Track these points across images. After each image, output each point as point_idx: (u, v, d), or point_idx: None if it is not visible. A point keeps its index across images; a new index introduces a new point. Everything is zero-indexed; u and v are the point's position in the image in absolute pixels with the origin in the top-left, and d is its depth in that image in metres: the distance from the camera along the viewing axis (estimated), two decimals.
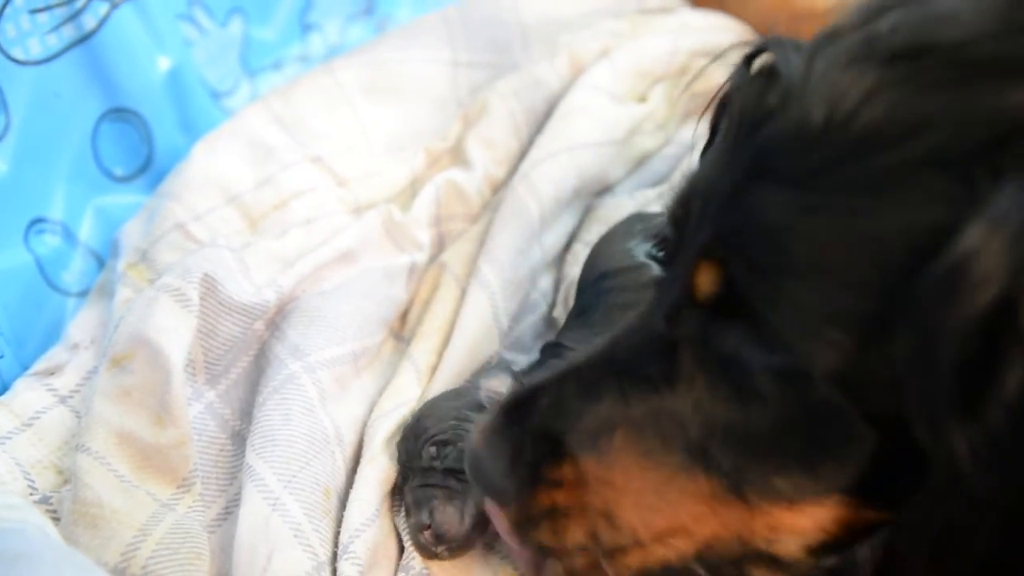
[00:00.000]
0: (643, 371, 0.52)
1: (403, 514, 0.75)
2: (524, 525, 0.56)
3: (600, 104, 1.04)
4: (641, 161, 1.05)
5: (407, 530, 0.74)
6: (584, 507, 0.53)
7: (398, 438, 0.78)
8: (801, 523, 0.51)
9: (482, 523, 0.71)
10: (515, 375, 0.80)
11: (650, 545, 0.52)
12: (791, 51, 0.51)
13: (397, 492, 0.77)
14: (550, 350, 0.82)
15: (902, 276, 0.43)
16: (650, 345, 0.52)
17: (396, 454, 0.77)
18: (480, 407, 0.76)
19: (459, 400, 0.78)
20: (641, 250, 0.84)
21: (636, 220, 0.90)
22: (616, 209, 0.96)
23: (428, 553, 0.72)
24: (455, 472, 0.72)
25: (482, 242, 0.92)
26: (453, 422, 0.75)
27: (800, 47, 0.52)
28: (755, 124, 0.49)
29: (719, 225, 0.49)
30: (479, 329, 0.86)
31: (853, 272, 0.45)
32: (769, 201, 0.46)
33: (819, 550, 0.52)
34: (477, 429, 0.58)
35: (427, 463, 0.73)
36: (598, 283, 0.85)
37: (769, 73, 0.52)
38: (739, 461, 0.49)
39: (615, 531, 0.53)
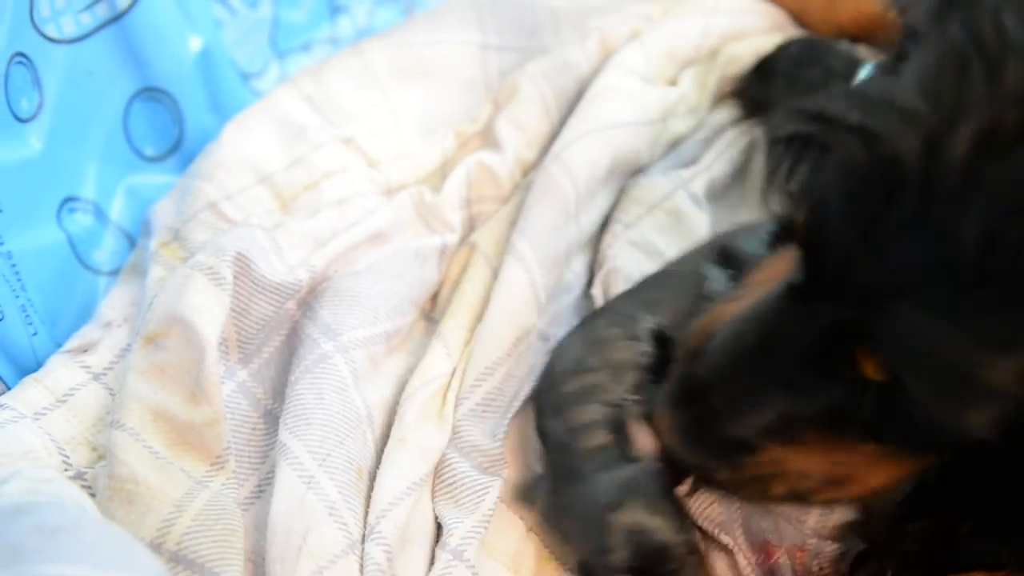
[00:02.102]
0: (809, 383, 0.59)
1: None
2: (731, 488, 0.69)
3: (632, 85, 1.03)
4: (673, 144, 1.04)
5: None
6: (783, 473, 0.64)
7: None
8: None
9: None
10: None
11: (832, 488, 0.64)
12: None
13: None
14: None
15: None
16: (806, 365, 0.58)
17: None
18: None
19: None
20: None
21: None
22: (651, 189, 0.95)
23: None
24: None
25: (513, 221, 0.91)
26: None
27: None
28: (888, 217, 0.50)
29: (870, 323, 0.52)
30: (516, 301, 0.85)
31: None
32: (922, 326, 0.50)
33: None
34: (664, 425, 0.68)
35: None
36: None
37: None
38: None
39: (808, 481, 0.64)
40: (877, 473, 0.62)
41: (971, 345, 0.48)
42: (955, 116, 0.48)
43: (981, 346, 0.48)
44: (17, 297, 0.80)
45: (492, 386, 0.82)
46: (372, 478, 0.77)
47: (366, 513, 0.74)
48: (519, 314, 0.85)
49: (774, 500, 0.68)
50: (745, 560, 0.74)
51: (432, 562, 0.74)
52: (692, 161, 1.01)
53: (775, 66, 1.07)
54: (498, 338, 0.83)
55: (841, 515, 0.75)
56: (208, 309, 0.75)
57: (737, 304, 0.65)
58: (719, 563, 0.74)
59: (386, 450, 0.78)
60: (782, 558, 0.75)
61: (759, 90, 1.07)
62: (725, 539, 0.74)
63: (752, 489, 0.67)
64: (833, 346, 0.56)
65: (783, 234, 0.67)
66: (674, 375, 0.68)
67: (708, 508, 0.75)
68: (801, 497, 0.66)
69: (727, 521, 0.75)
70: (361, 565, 0.71)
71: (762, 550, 0.75)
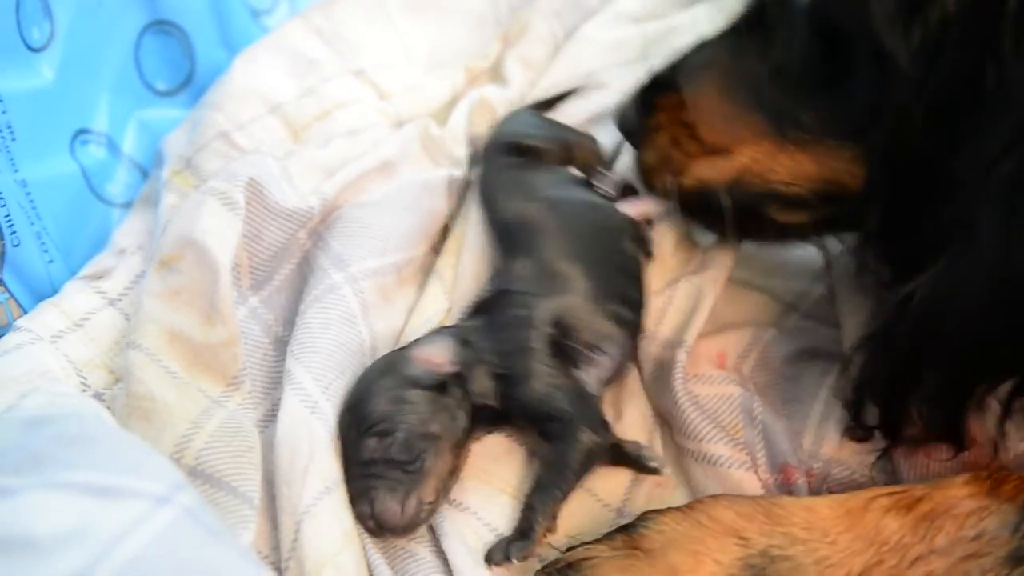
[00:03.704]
0: (737, 23, 0.72)
1: None
2: (639, 152, 0.80)
3: (608, 33, 1.03)
4: None
5: None
6: (674, 122, 0.75)
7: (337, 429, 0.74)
8: (811, 168, 0.69)
9: (425, 511, 0.70)
10: (456, 338, 0.75)
11: (704, 161, 0.74)
12: None
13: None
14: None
15: None
16: (755, 23, 0.70)
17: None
18: (415, 382, 0.72)
19: (392, 377, 0.73)
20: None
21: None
22: None
23: (376, 535, 0.70)
24: (397, 463, 0.69)
25: None
26: (390, 408, 0.71)
27: None
28: None
29: None
30: (483, 241, 0.86)
31: None
32: None
33: (822, 201, 0.70)
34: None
35: (368, 455, 0.70)
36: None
37: None
38: (781, 100, 0.67)
39: (689, 141, 0.74)
40: (748, 149, 0.71)
41: None
42: None
43: None
44: (32, 224, 0.81)
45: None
46: None
47: None
48: (488, 251, 0.86)
49: (656, 173, 0.78)
50: (762, 479, 0.75)
51: None
52: None
53: None
54: (474, 276, 0.85)
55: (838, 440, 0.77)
56: (221, 232, 0.76)
57: None
58: (745, 482, 0.75)
59: None
60: (799, 479, 0.75)
61: None
62: (746, 457, 0.76)
63: (647, 144, 0.78)
64: None
65: None
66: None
67: (736, 431, 0.77)
68: (677, 172, 0.76)
69: (750, 443, 0.76)
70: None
71: (781, 471, 0.76)
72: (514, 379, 0.73)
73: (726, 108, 0.71)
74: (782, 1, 0.66)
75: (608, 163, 0.91)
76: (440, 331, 0.78)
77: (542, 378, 0.73)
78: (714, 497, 0.71)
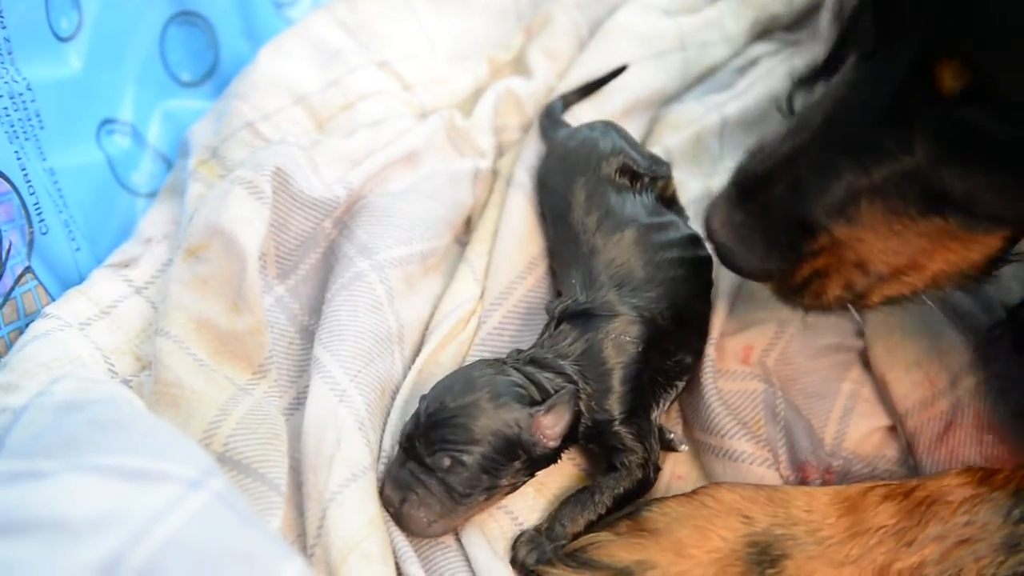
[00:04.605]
0: (878, 145, 0.60)
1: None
2: (787, 295, 0.68)
3: (642, 22, 1.03)
4: (709, 73, 1.04)
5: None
6: (840, 265, 0.65)
7: (407, 417, 0.72)
8: (996, 244, 0.63)
9: (448, 531, 0.71)
10: (572, 406, 0.71)
11: (890, 282, 0.65)
12: None
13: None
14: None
15: None
16: (878, 124, 0.60)
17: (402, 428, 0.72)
18: (519, 445, 0.69)
19: (504, 413, 0.69)
20: None
21: None
22: (685, 114, 0.95)
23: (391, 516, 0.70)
24: (450, 488, 0.68)
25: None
26: (483, 448, 0.68)
27: None
28: None
29: (954, 27, 0.54)
30: (521, 229, 0.86)
31: None
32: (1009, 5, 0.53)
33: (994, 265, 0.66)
34: (717, 222, 0.67)
35: (430, 462, 0.68)
36: None
37: None
38: (970, 197, 0.60)
39: (866, 276, 0.65)
40: (939, 255, 0.63)
41: None
42: None
43: None
44: (60, 212, 0.81)
45: (508, 308, 0.84)
46: (394, 396, 0.78)
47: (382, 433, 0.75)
48: (525, 243, 0.86)
49: (831, 304, 0.67)
50: (783, 475, 0.76)
51: None
52: (726, 87, 1.01)
53: None
54: (512, 260, 0.85)
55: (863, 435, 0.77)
56: (248, 221, 0.76)
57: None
58: (766, 479, 0.75)
59: (409, 372, 0.79)
60: (816, 479, 0.76)
61: None
62: (767, 454, 0.76)
63: (809, 292, 0.66)
64: (911, 77, 0.57)
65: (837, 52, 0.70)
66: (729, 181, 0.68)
67: (758, 427, 0.77)
68: (859, 296, 0.66)
69: (772, 439, 0.76)
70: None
71: (800, 469, 0.76)
72: (600, 409, 0.72)
73: (899, 230, 0.62)
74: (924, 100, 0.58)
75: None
76: (565, 397, 0.71)
77: (624, 405, 0.72)
78: (717, 483, 0.72)
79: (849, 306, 0.67)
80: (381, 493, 0.70)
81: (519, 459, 0.69)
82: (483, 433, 0.68)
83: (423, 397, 0.72)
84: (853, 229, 0.63)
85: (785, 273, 0.66)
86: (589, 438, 0.73)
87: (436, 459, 0.68)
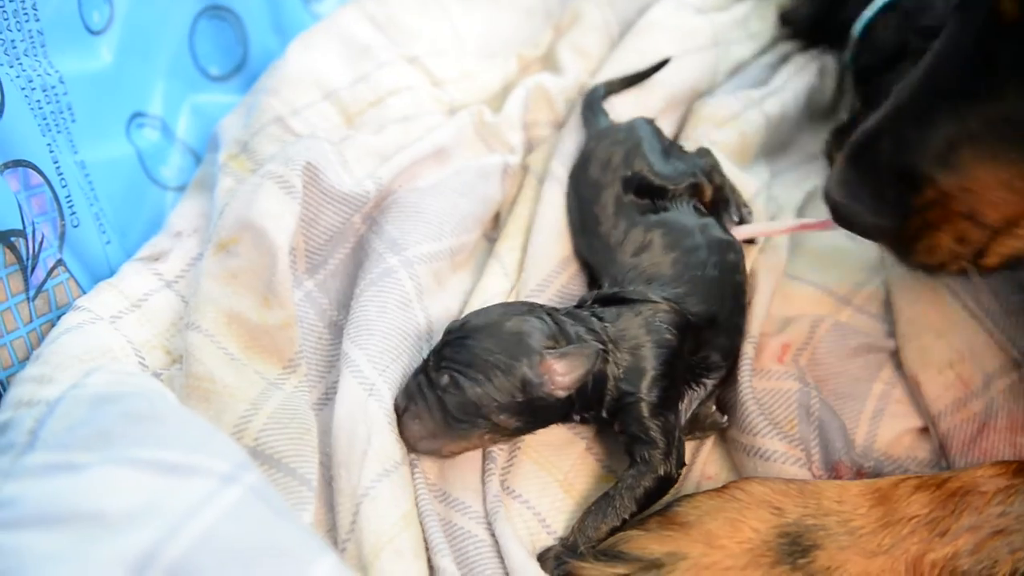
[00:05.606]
0: (969, 90, 0.61)
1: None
2: (902, 253, 0.68)
3: (677, 19, 1.02)
4: (736, 69, 1.03)
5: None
6: (950, 217, 0.64)
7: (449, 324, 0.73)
8: None
9: (443, 453, 0.71)
10: (592, 359, 0.69)
11: (1005, 236, 0.64)
12: None
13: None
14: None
15: None
16: (966, 69, 0.61)
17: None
18: (526, 384, 0.68)
19: (517, 348, 0.68)
20: None
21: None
22: (720, 108, 0.95)
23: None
24: (444, 407, 0.68)
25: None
26: (485, 372, 0.68)
27: None
28: None
29: None
30: (559, 223, 0.86)
31: None
32: None
33: None
34: (832, 182, 0.68)
35: (433, 377, 0.69)
36: None
37: None
38: None
39: (978, 229, 0.64)
40: None
41: None
42: None
43: None
44: (91, 206, 0.82)
45: (544, 301, 0.83)
46: None
47: None
48: (563, 236, 0.86)
49: (947, 261, 0.66)
50: (815, 475, 0.75)
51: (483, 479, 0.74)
52: (759, 83, 1.00)
53: None
54: (548, 256, 0.85)
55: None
56: (279, 215, 0.76)
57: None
58: (798, 476, 0.75)
59: None
60: (849, 480, 0.75)
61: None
62: (800, 453, 0.75)
63: (922, 247, 0.66)
64: (988, 17, 0.57)
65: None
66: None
67: (790, 427, 0.77)
68: (977, 255, 0.65)
69: (805, 439, 0.76)
70: (412, 476, 0.72)
71: (833, 469, 0.75)
72: (629, 383, 0.72)
73: (1004, 177, 0.61)
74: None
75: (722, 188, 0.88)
76: (587, 350, 0.69)
77: (656, 391, 0.72)
78: (746, 478, 0.73)
79: (968, 268, 0.66)
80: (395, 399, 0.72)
81: (517, 399, 0.68)
82: (487, 357, 0.68)
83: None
84: (958, 178, 0.62)
85: (897, 229, 0.66)
86: (612, 412, 0.72)
87: (438, 375, 0.69)
